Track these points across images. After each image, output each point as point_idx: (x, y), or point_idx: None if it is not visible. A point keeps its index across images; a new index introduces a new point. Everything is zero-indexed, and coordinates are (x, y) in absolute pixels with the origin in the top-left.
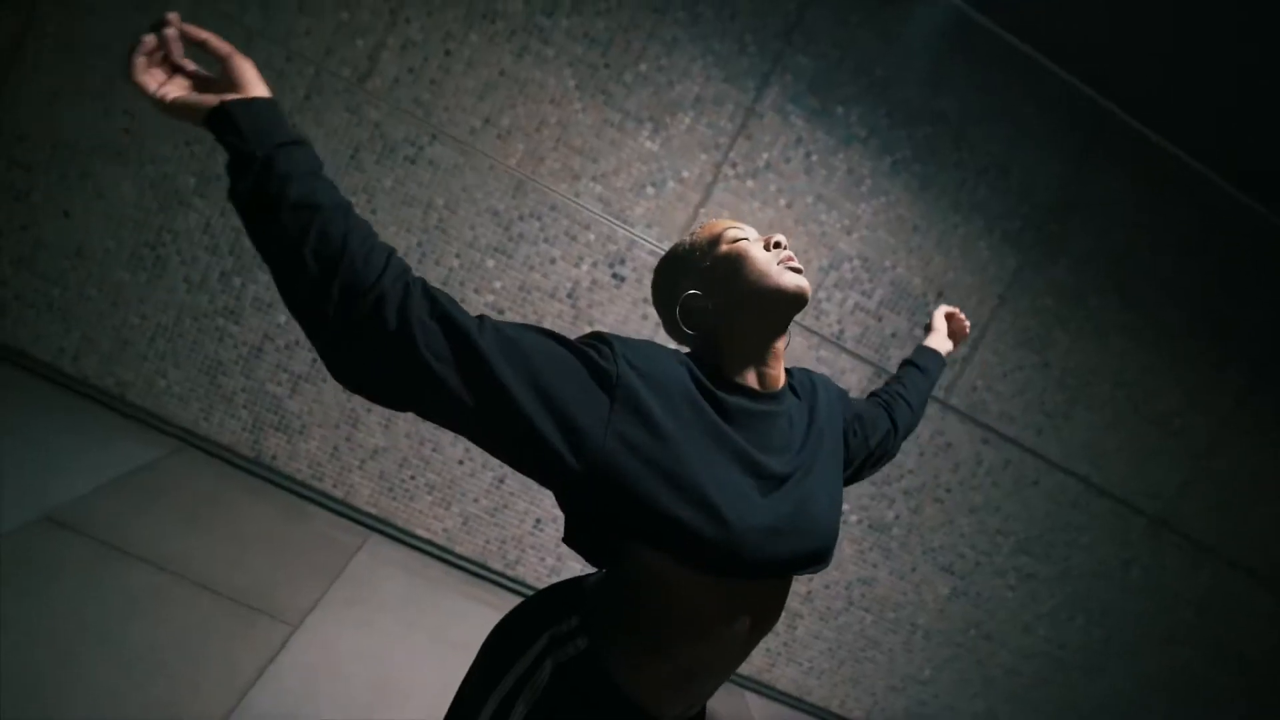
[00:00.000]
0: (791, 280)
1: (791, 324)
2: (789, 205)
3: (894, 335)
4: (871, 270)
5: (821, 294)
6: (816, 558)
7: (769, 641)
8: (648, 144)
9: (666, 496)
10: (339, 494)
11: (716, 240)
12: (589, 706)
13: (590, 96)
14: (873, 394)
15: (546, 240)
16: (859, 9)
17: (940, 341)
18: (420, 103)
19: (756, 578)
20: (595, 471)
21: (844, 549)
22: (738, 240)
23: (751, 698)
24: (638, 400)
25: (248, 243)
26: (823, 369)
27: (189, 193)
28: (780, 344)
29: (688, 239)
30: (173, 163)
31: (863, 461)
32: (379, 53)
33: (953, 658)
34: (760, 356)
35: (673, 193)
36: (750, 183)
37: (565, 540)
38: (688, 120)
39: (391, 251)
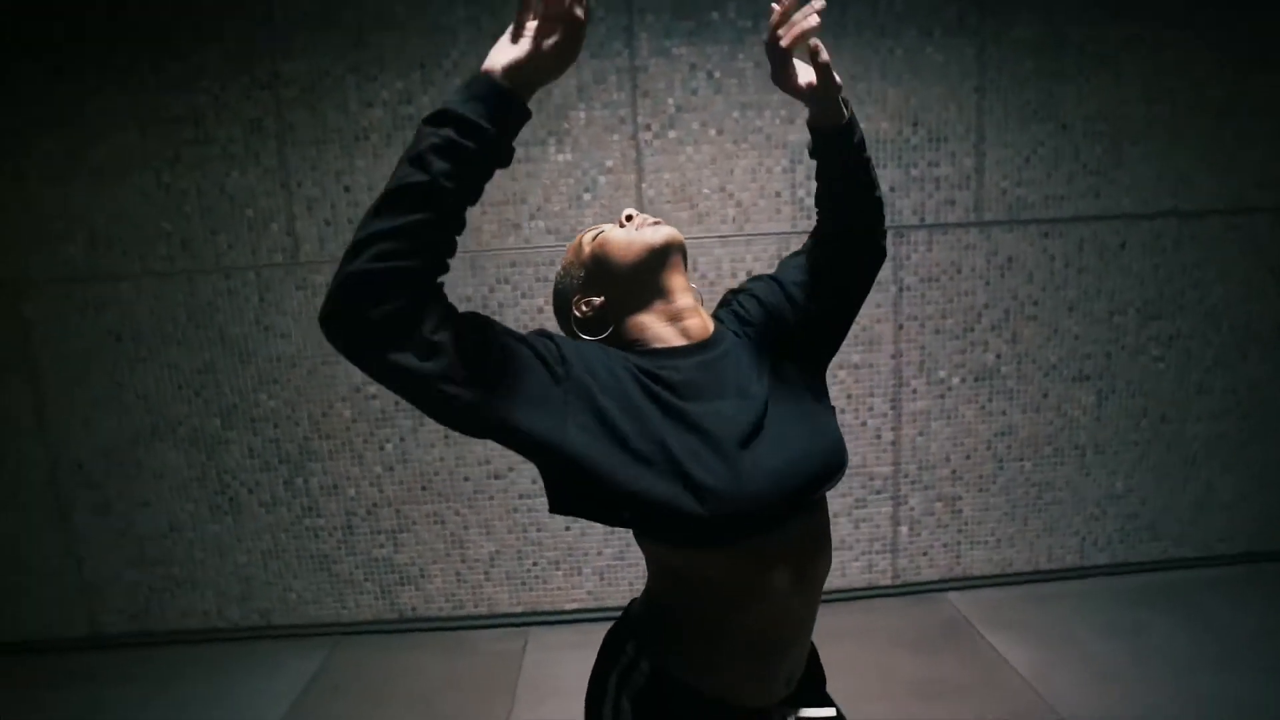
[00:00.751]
0: (650, 234)
1: (687, 273)
2: (720, 131)
3: (893, 189)
4: None
5: (800, 191)
6: (818, 479)
7: (942, 535)
8: (561, 157)
9: (638, 477)
10: (484, 610)
11: (580, 248)
12: (665, 712)
13: None
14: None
15: (524, 295)
16: None
17: (811, 108)
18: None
19: (765, 530)
20: (570, 462)
21: (964, 414)
22: (597, 236)
23: (955, 596)
24: (589, 392)
25: (289, 446)
26: None
27: (220, 430)
28: (681, 298)
29: (560, 265)
30: (194, 415)
31: (831, 298)
32: (293, 225)
33: (1139, 458)
34: (671, 316)
35: (608, 186)
36: (672, 133)
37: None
38: (583, 115)
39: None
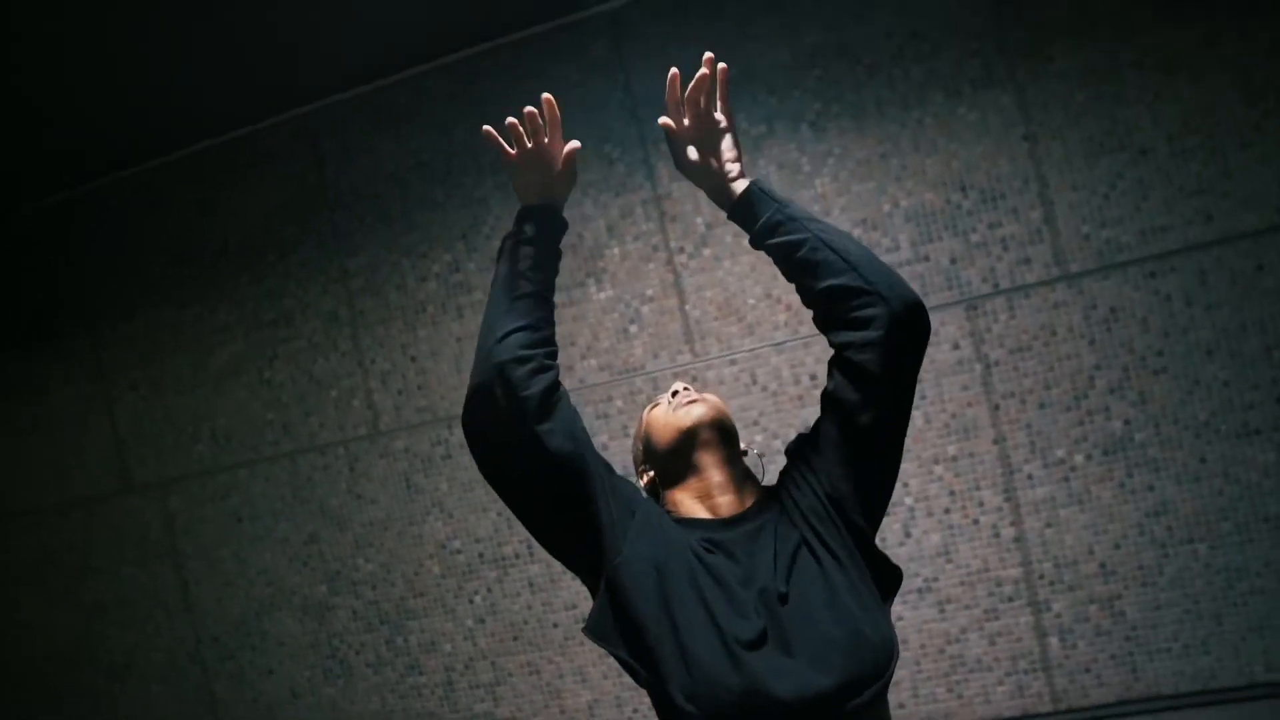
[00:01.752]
0: (684, 415)
1: (738, 444)
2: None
3: (953, 261)
4: (879, 226)
5: None
6: (849, 688)
7: (1106, 645)
8: (602, 295)
9: (655, 627)
10: None
11: (640, 422)
12: None
13: None
14: None
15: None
16: (676, 37)
17: (714, 186)
18: (423, 409)
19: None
20: (611, 575)
21: (1098, 495)
22: (651, 410)
23: None
24: (650, 530)
25: (386, 605)
26: None
27: (327, 597)
28: (714, 474)
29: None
30: (305, 584)
31: (868, 420)
32: (372, 399)
33: None
34: (702, 494)
35: (652, 314)
36: (707, 250)
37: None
38: (616, 251)
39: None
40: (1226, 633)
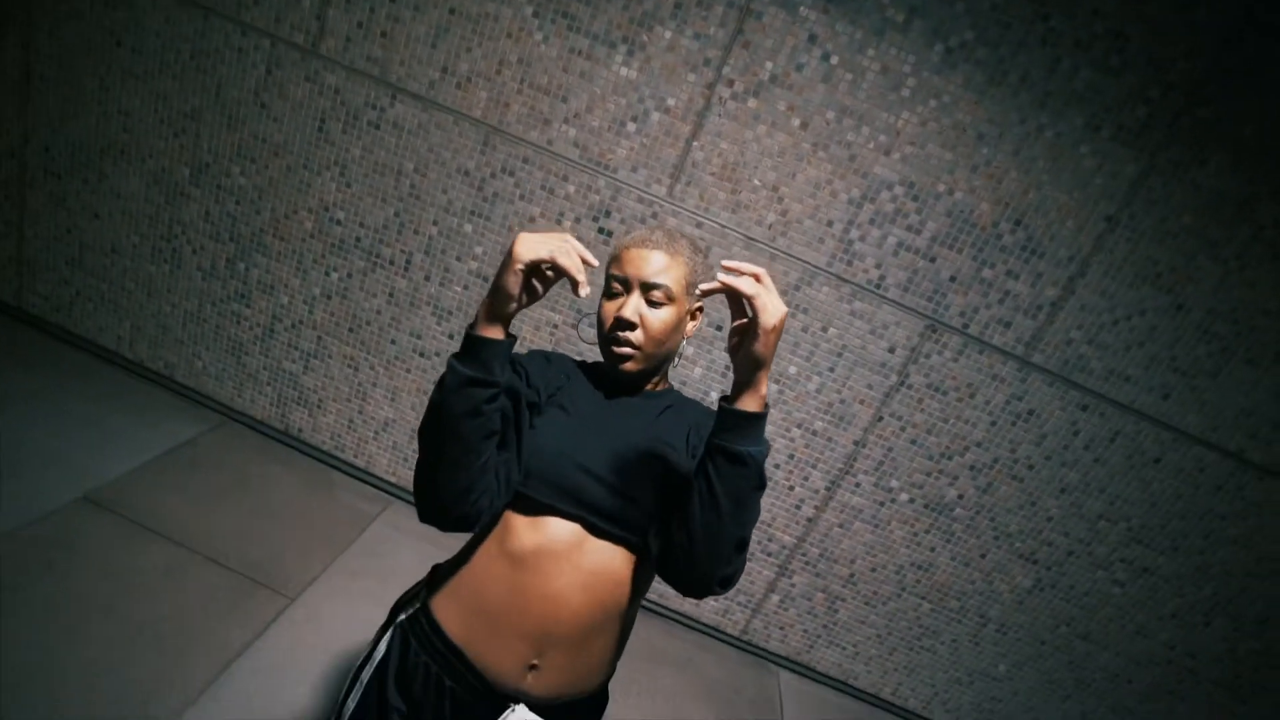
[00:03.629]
0: (610, 357)
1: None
2: (804, 125)
3: (953, 279)
4: (920, 198)
5: (854, 233)
6: (574, 497)
7: (807, 622)
8: (623, 71)
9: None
10: (360, 463)
11: (609, 262)
12: (420, 649)
13: (551, 23)
14: None
15: (523, 197)
16: None
17: (738, 392)
18: (374, 60)
19: (534, 494)
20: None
21: (893, 530)
22: (608, 285)
23: (786, 676)
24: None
25: (243, 228)
26: (858, 323)
27: (186, 183)
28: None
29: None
30: (167, 155)
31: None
32: (325, 10)
33: (1036, 656)
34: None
35: (658, 126)
36: (752, 102)
37: None
38: (668, 35)
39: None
40: (889, 661)
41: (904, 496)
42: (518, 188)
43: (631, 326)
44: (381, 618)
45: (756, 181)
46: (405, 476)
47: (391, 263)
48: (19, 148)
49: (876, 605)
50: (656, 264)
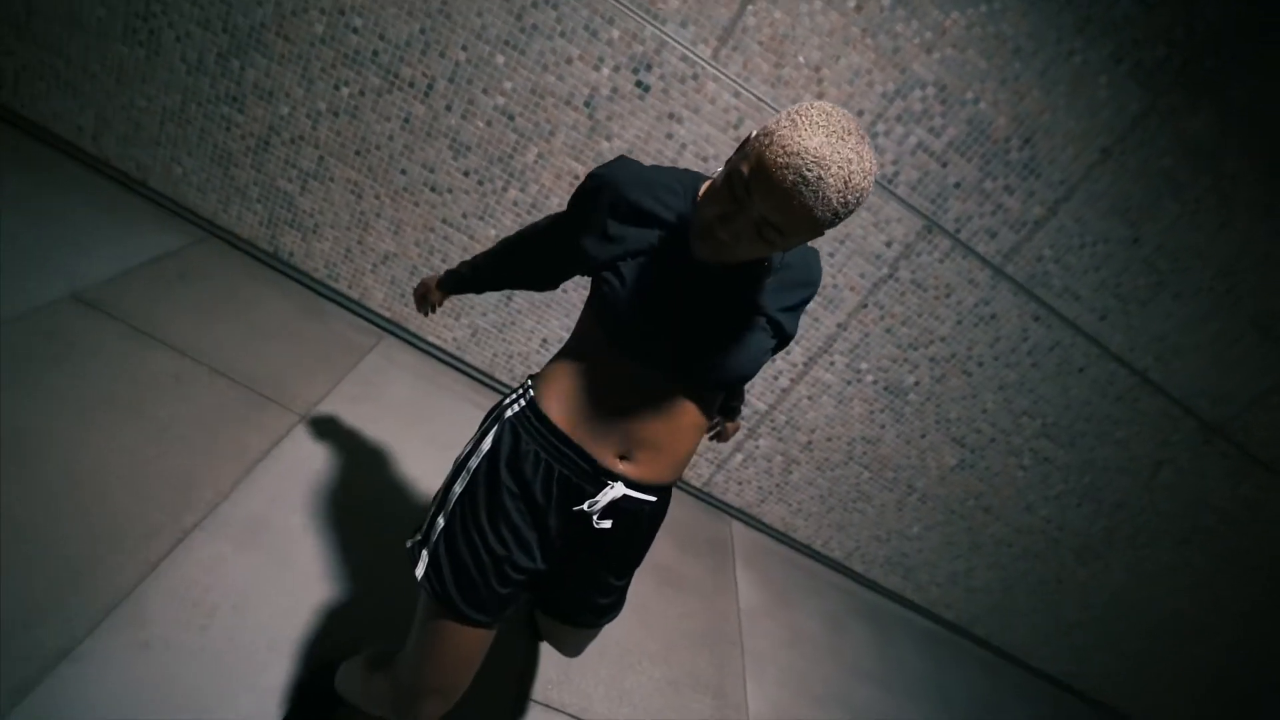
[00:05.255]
0: (702, 249)
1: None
2: (858, 8)
3: (957, 185)
4: (948, 102)
5: (880, 126)
6: (674, 364)
7: (763, 480)
8: None
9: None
10: (354, 295)
11: (746, 158)
12: (527, 435)
13: None
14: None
15: (563, 34)
16: None
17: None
18: None
19: (634, 356)
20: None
21: (853, 407)
22: (737, 174)
23: (737, 526)
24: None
25: (240, 20)
26: (865, 214)
27: None
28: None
29: (762, 129)
30: None
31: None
32: None
33: (944, 521)
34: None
35: None
36: None
37: None
38: None
39: None
40: (825, 518)
41: (869, 378)
42: (559, 23)
43: (723, 245)
44: (388, 442)
45: (801, 59)
46: (401, 312)
47: (411, 85)
48: None
49: (825, 470)
50: (801, 224)
